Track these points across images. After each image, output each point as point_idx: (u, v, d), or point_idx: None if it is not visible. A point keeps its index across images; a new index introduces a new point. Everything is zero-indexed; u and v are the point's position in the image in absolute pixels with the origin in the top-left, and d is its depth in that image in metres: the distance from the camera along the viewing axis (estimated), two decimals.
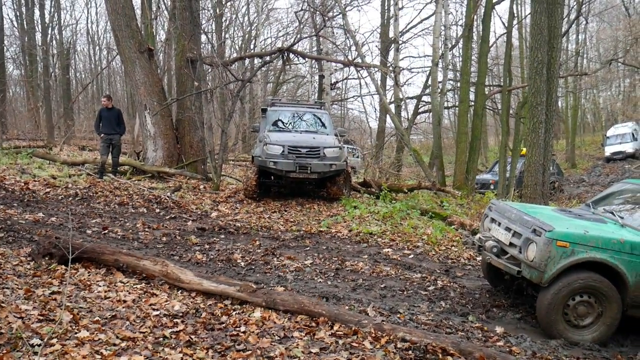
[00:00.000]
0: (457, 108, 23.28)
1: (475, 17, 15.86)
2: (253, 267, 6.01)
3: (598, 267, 4.59)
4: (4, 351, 3.21)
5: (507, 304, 5.46)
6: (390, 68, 18.52)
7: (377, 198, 10.99)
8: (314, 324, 4.26)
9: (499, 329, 4.69)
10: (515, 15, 18.93)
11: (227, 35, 27.94)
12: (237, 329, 4.09)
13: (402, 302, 5.25)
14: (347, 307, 4.74)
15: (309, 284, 5.56)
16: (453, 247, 7.79)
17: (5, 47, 27.66)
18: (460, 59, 23.86)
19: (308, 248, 7.07)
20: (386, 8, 22.87)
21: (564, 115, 32.55)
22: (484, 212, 6.16)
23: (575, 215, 5.29)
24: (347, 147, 22.42)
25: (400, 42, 22.24)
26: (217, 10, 24.29)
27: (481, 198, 12.34)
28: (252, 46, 27.01)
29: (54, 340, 3.45)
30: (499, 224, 5.36)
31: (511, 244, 5.03)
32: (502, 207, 5.59)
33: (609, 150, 27.14)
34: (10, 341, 3.35)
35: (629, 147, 25.96)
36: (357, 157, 21.63)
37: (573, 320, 4.64)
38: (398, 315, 4.72)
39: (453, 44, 22.89)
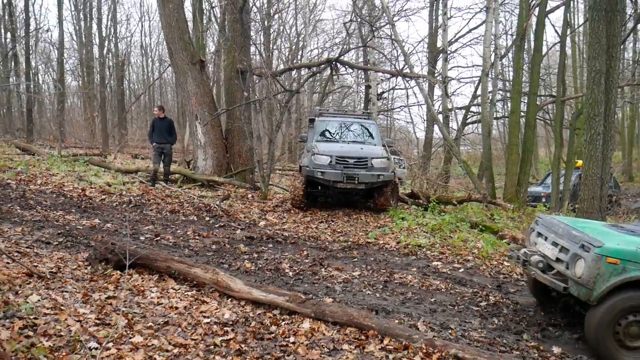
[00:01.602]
0: (506, 119, 22.76)
1: (526, 25, 15.47)
2: (301, 277, 6.00)
3: None
4: (64, 353, 3.32)
5: (563, 323, 5.23)
6: (439, 78, 18.30)
7: (425, 210, 10.82)
8: (363, 337, 4.20)
9: (556, 349, 4.50)
10: (569, 23, 18.37)
11: (274, 47, 28.35)
12: (287, 339, 4.09)
13: (453, 317, 5.12)
14: (396, 321, 4.66)
15: (357, 295, 5.51)
16: (505, 262, 7.56)
17: (64, 60, 29.03)
18: (511, 68, 23.37)
19: (356, 259, 7.02)
20: (434, 18, 22.65)
21: (620, 126, 31.26)
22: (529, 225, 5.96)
23: (628, 231, 5.03)
24: (394, 158, 22.23)
25: (448, 51, 21.98)
26: (266, 22, 24.68)
27: (533, 211, 11.96)
28: (299, 57, 27.30)
29: (110, 345, 3.54)
30: (546, 239, 5.17)
31: (558, 260, 4.83)
32: (549, 221, 5.39)
33: None
34: (69, 343, 3.46)
35: None
36: (403, 167, 21.44)
37: (624, 341, 4.38)
38: (449, 331, 4.60)
39: (503, 53, 22.44)
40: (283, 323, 4.39)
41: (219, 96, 22.07)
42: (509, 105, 17.87)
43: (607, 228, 5.22)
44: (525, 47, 18.63)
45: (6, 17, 26.45)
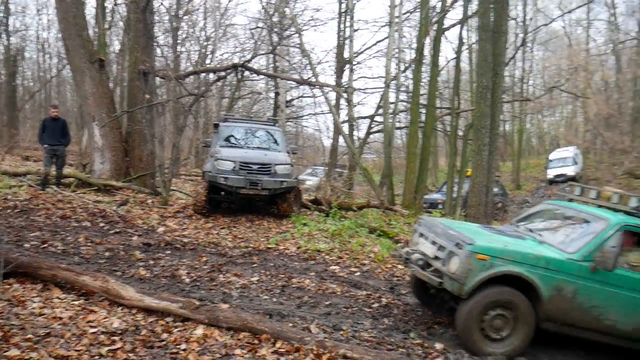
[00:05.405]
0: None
1: (426, 41, 16.35)
2: (198, 283, 5.93)
3: (515, 281, 4.78)
4: None
5: (448, 321, 5.59)
6: (343, 88, 18.81)
7: (327, 216, 11.05)
8: (256, 342, 4.25)
9: (438, 346, 4.81)
10: (465, 41, 19.64)
11: (183, 49, 27.64)
12: (178, 346, 4.04)
13: (346, 319, 5.31)
14: (290, 324, 4.75)
15: (254, 301, 5.54)
16: (399, 265, 7.92)
17: None
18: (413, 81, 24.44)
19: (255, 265, 7.04)
20: (342, 29, 23.25)
21: (510, 139, 33.76)
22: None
23: (498, 232, 5.55)
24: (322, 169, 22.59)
25: (354, 62, 22.65)
26: (174, 24, 24.06)
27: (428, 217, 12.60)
28: (208, 61, 26.85)
29: None
30: (426, 238, 5.55)
31: (436, 257, 5.20)
32: (430, 222, 5.81)
33: (551, 173, 28.26)
34: None
35: (570, 170, 27.08)
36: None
37: (489, 332, 4.80)
38: (341, 333, 4.77)
39: (406, 66, 23.46)
40: (175, 330, 4.33)
41: (122, 97, 21.20)
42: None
43: (480, 229, 5.72)
44: (426, 61, 19.57)
45: None
